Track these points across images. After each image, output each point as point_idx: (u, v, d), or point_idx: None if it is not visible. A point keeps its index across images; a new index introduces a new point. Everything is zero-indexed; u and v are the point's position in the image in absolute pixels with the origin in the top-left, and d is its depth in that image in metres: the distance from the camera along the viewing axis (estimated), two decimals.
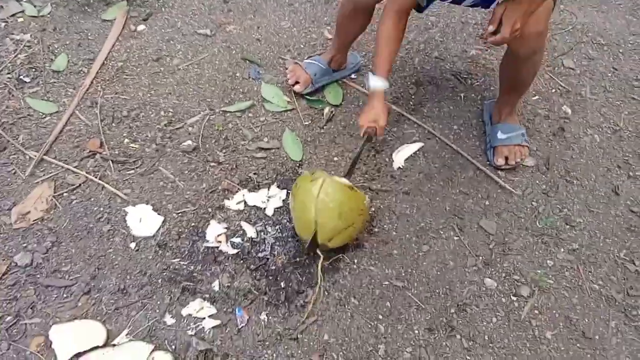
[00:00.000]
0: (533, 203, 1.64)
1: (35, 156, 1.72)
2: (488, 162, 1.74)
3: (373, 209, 1.62)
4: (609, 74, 2.04)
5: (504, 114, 1.74)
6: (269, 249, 1.53)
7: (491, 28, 1.30)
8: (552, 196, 1.66)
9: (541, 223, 1.59)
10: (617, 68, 2.06)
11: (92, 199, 1.64)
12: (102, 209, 1.61)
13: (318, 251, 1.44)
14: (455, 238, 1.56)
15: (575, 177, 1.71)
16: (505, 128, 1.72)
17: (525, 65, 1.52)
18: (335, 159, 1.76)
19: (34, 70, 1.99)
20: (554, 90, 1.98)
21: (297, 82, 1.90)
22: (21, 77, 1.96)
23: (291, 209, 1.50)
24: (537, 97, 1.95)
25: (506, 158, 1.69)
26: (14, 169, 1.70)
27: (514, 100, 1.73)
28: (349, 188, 1.41)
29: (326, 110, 1.90)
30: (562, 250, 1.53)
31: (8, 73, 1.97)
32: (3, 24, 2.14)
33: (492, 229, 1.57)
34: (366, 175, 1.72)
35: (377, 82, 1.53)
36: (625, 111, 1.91)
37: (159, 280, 1.47)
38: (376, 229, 1.58)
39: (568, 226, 1.58)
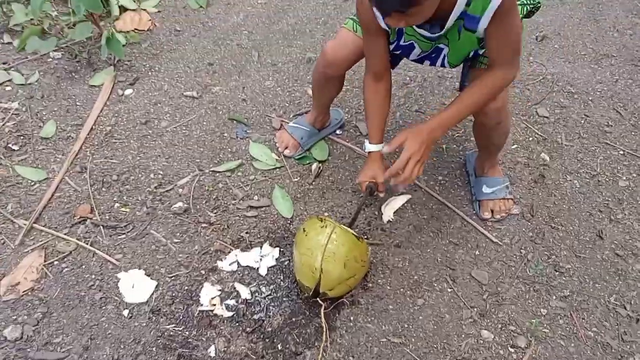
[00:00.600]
0: (522, 251, 1.68)
1: (25, 225, 1.70)
2: (474, 212, 1.78)
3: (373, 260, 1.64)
4: (582, 121, 2.14)
5: (486, 167, 1.80)
6: (264, 310, 1.53)
7: (386, 149, 1.40)
8: (539, 243, 1.70)
9: (531, 271, 1.62)
10: (589, 115, 2.17)
11: (84, 266, 1.62)
12: (93, 276, 1.60)
13: (319, 299, 1.45)
14: (449, 290, 1.58)
15: (559, 223, 1.76)
16: (489, 182, 1.77)
17: (493, 132, 1.59)
18: (326, 214, 1.79)
19: (22, 138, 2.01)
20: (531, 139, 2.06)
21: (286, 148, 1.96)
22: (9, 145, 1.97)
23: (294, 254, 1.51)
24: (515, 145, 2.03)
25: (492, 211, 1.74)
26: (2, 238, 1.68)
27: (492, 157, 1.78)
28: (356, 238, 1.43)
29: (314, 166, 1.94)
30: (554, 297, 1.56)
31: None
32: None
33: (485, 279, 1.59)
34: (356, 230, 1.74)
35: (371, 147, 1.62)
36: (600, 156, 2.00)
37: (154, 349, 1.44)
38: (370, 284, 1.59)
39: (557, 272, 1.62)
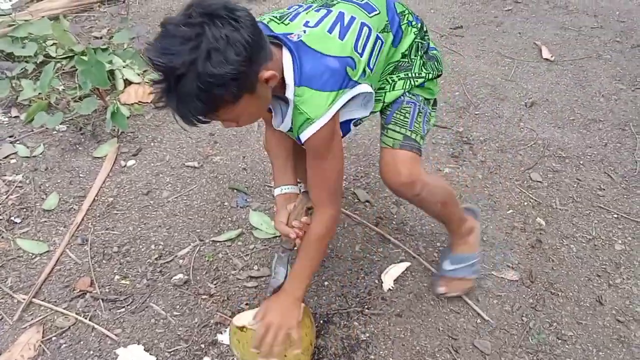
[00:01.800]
0: (523, 318, 1.67)
1: (24, 299, 1.70)
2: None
3: (367, 335, 1.62)
4: (575, 185, 2.19)
5: (452, 240, 1.73)
6: None
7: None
8: (540, 310, 1.69)
9: (534, 339, 1.61)
10: (581, 179, 2.22)
11: (82, 342, 1.60)
12: (92, 352, 1.58)
13: None
14: None
15: (559, 289, 1.76)
16: (454, 258, 1.70)
17: (419, 204, 1.57)
18: (326, 283, 1.79)
19: (24, 210, 2.04)
20: (526, 203, 2.10)
21: None
22: (12, 218, 2.00)
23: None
24: (511, 210, 2.07)
25: (448, 289, 1.70)
26: (0, 314, 1.67)
27: (450, 229, 1.70)
28: (239, 329, 1.43)
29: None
30: None
31: None
32: None
33: (487, 349, 1.58)
34: (357, 299, 1.74)
35: (275, 191, 1.57)
36: (594, 220, 2.03)
37: None
38: (372, 356, 1.57)
39: (560, 340, 1.60)
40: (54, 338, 1.61)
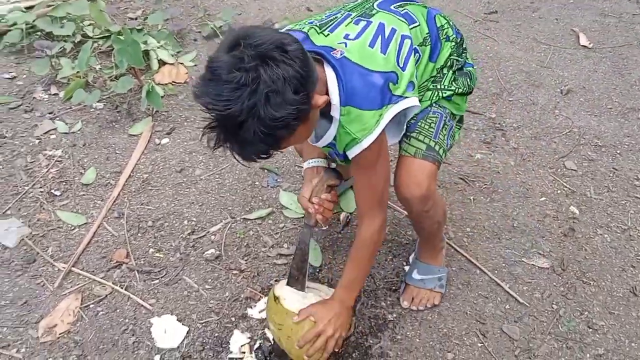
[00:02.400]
0: (553, 306, 1.66)
1: (64, 268, 1.77)
2: (503, 265, 1.77)
3: (394, 315, 1.64)
4: (610, 174, 2.14)
5: (424, 251, 1.68)
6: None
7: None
8: (571, 298, 1.68)
9: (564, 327, 1.60)
10: (617, 168, 2.17)
11: (118, 310, 1.66)
12: (127, 320, 1.64)
13: None
14: (479, 344, 1.56)
15: (591, 279, 1.74)
16: (422, 269, 1.66)
17: (421, 218, 1.50)
18: None
19: (64, 183, 2.11)
20: (559, 192, 2.07)
21: None
22: (52, 190, 2.07)
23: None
24: (544, 198, 2.04)
25: (412, 299, 1.66)
26: (42, 281, 1.74)
27: (428, 244, 1.66)
28: (275, 298, 1.44)
29: (342, 215, 1.98)
30: (588, 355, 1.53)
31: (40, 187, 2.08)
32: (37, 141, 2.29)
33: (516, 334, 1.58)
34: (385, 280, 1.76)
35: (304, 164, 1.58)
36: (631, 210, 1.99)
37: None
38: (399, 337, 1.59)
39: (591, 330, 1.59)
40: (91, 305, 1.68)
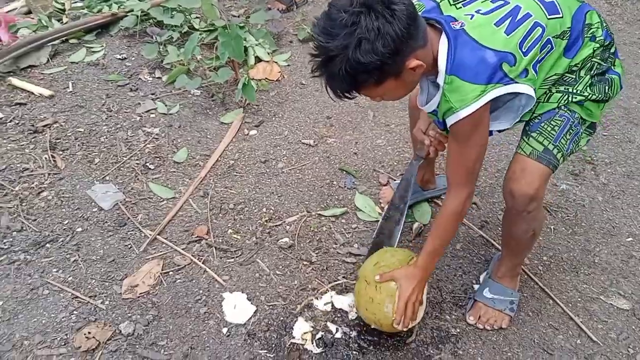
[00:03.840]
0: (629, 349, 1.58)
1: (150, 235, 1.90)
2: (575, 300, 1.71)
3: (458, 330, 1.62)
4: None
5: (502, 272, 1.66)
6: (352, 354, 1.56)
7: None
8: None
9: None
10: None
11: (194, 281, 1.77)
12: (201, 291, 1.73)
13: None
14: None
15: None
16: (495, 288, 1.65)
17: (518, 219, 1.47)
18: None
19: (158, 159, 2.27)
20: None
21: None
22: (147, 164, 2.23)
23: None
24: (630, 239, 1.95)
25: (479, 317, 1.63)
26: (130, 244, 1.89)
27: (511, 261, 1.63)
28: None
29: (415, 225, 1.99)
30: None
31: (137, 159, 2.25)
32: (138, 118, 2.48)
33: None
34: (452, 294, 1.75)
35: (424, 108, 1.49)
36: None
37: None
38: (460, 352, 1.57)
39: None
40: (171, 272, 1.79)
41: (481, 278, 1.78)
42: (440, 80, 1.26)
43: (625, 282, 1.78)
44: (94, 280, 1.75)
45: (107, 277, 1.77)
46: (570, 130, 1.40)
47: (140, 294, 1.72)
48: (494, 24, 1.26)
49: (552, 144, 1.38)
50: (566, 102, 1.39)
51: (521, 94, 1.30)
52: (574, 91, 1.38)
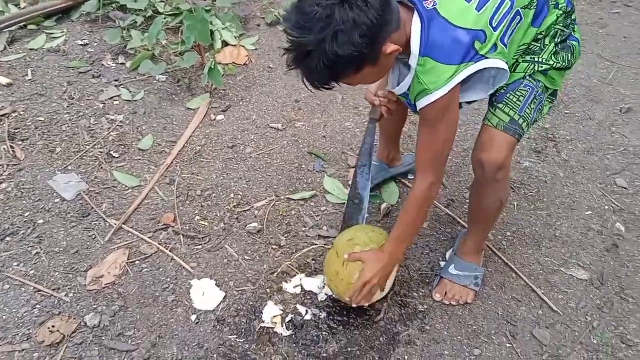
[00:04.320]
0: (587, 317, 1.64)
1: (115, 224, 1.88)
2: (538, 272, 1.76)
3: (425, 307, 1.66)
4: None
5: (467, 248, 1.69)
6: (321, 335, 1.58)
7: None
8: (606, 312, 1.65)
9: (596, 339, 1.58)
10: None
11: (161, 269, 1.75)
12: (169, 279, 1.72)
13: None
14: (508, 345, 1.56)
15: (630, 296, 1.70)
16: (460, 264, 1.67)
17: (487, 192, 1.51)
18: None
19: (123, 147, 2.23)
20: (606, 207, 2.03)
21: None
22: (111, 152, 2.19)
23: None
24: (590, 212, 2.01)
25: (445, 294, 1.66)
26: (94, 234, 1.86)
27: (477, 235, 1.67)
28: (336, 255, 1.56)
29: (383, 206, 2.00)
30: None
31: (100, 148, 2.21)
32: (101, 105, 2.43)
33: (546, 340, 1.57)
34: (419, 272, 1.78)
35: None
36: None
37: (215, 356, 1.52)
38: (428, 327, 1.61)
39: (624, 345, 1.56)
40: (137, 262, 1.77)
41: (447, 255, 1.81)
42: (413, 62, 1.27)
43: (585, 253, 1.84)
44: (57, 273, 1.72)
45: (71, 269, 1.74)
46: (535, 100, 1.44)
47: (106, 284, 1.70)
48: (466, 0, 1.27)
49: (518, 114, 1.42)
50: (532, 71, 1.42)
51: (499, 70, 1.32)
52: (540, 60, 1.42)
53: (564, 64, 1.43)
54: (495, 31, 1.27)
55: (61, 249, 1.80)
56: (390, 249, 1.49)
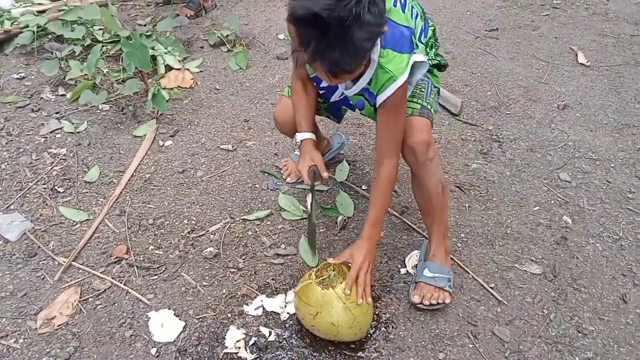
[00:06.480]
0: (544, 310, 1.69)
1: (64, 262, 1.80)
2: (484, 273, 1.80)
3: (387, 315, 1.66)
4: (604, 187, 2.18)
5: (434, 250, 1.73)
6: (287, 355, 1.56)
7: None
8: (561, 304, 1.71)
9: (554, 331, 1.62)
10: (611, 181, 2.21)
11: (116, 304, 1.69)
12: (125, 314, 1.66)
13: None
14: (470, 346, 1.58)
15: (582, 285, 1.77)
16: (433, 267, 1.70)
17: (425, 175, 1.59)
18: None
19: (67, 181, 2.15)
20: (553, 202, 2.11)
21: (289, 174, 2.19)
22: (55, 187, 2.11)
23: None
24: (537, 207, 2.08)
25: (423, 297, 1.68)
26: (43, 274, 1.78)
27: (437, 234, 1.72)
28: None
29: (339, 218, 2.01)
30: (577, 358, 1.55)
31: (44, 184, 2.12)
32: (42, 139, 2.34)
33: (507, 337, 1.60)
34: (379, 281, 1.78)
35: (301, 136, 1.70)
36: (622, 221, 2.02)
37: None
38: (392, 336, 1.61)
39: (580, 334, 1.61)
40: (90, 299, 1.71)
41: (406, 262, 1.83)
42: (375, 55, 1.39)
43: (536, 248, 1.90)
44: (4, 319, 1.63)
45: (20, 313, 1.65)
46: (432, 92, 1.67)
47: (59, 326, 1.62)
48: (393, 5, 1.45)
49: (425, 102, 1.62)
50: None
51: (422, 63, 1.52)
52: (430, 57, 1.67)
53: (443, 62, 1.73)
54: (415, 31, 1.50)
55: (7, 293, 1.71)
56: (369, 233, 1.58)
